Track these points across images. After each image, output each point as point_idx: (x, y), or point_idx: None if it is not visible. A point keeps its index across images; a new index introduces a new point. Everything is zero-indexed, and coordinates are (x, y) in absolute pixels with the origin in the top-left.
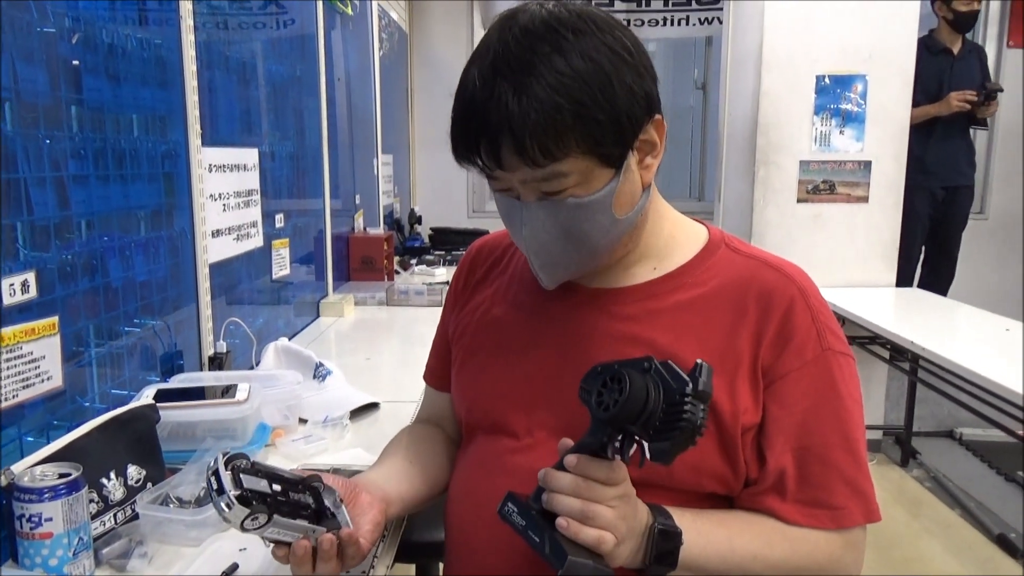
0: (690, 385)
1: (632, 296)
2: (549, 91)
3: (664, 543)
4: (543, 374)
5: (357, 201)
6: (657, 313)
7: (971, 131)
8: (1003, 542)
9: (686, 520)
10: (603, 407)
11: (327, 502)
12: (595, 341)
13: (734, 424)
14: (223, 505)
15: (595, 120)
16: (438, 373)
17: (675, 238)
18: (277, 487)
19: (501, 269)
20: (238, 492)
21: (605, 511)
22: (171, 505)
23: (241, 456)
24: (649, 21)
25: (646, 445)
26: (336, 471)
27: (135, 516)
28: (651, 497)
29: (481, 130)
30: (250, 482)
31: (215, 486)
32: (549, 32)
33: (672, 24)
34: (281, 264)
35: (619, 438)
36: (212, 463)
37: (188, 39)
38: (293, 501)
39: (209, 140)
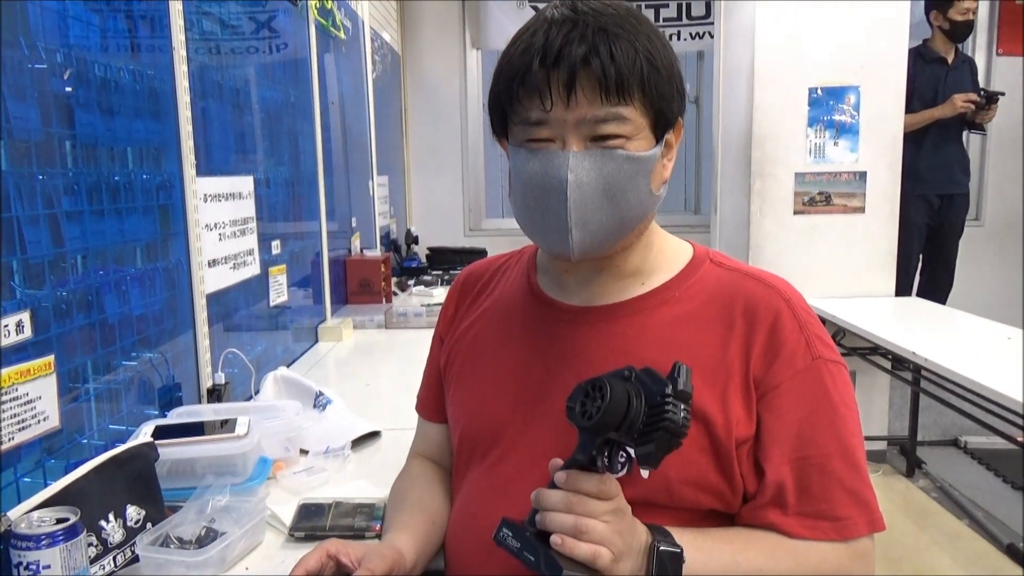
0: (670, 386)
1: (620, 312)
2: (630, 42)
3: (665, 562)
4: (533, 396)
5: (353, 224)
6: (646, 329)
7: (965, 139)
8: (1013, 552)
9: (687, 538)
10: (586, 416)
11: None
12: (585, 359)
13: (728, 438)
14: None
15: (663, 80)
16: (429, 404)
17: (663, 253)
18: None
19: (488, 293)
20: None
21: (598, 525)
22: (171, 546)
23: None
24: None
25: (633, 452)
26: (339, 504)
27: (135, 558)
28: (651, 517)
29: (559, 61)
30: None
31: None
32: (621, 7)
33: None
34: (279, 291)
35: (606, 449)
36: None
37: (181, 69)
38: None
39: (204, 170)
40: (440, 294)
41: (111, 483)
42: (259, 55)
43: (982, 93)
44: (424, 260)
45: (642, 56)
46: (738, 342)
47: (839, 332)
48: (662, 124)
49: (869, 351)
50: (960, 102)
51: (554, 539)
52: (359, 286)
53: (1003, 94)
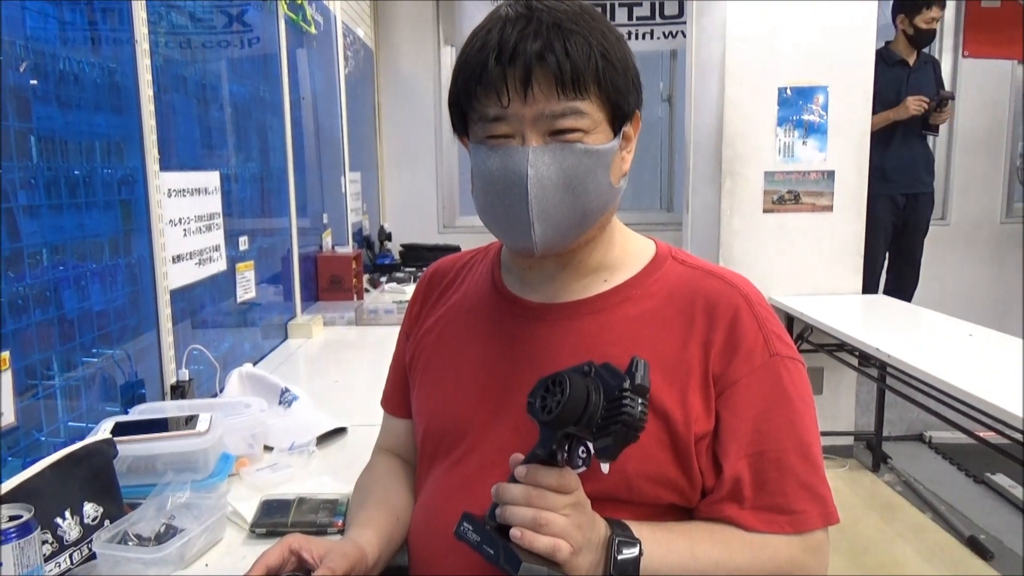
0: (628, 381)
1: (583, 309)
2: (585, 38)
3: (624, 554)
4: (496, 392)
5: (325, 220)
6: (608, 326)
7: (931, 140)
8: (974, 544)
9: (645, 531)
10: (546, 410)
11: None
12: (547, 356)
13: (687, 433)
14: None
15: (619, 74)
16: (395, 400)
17: (625, 250)
18: None
19: (454, 289)
20: None
21: (558, 519)
22: (130, 543)
23: None
24: None
25: (592, 446)
26: (302, 500)
27: (92, 556)
28: (611, 512)
29: (515, 58)
30: None
31: None
32: (574, 5)
33: (637, 38)
34: (246, 287)
35: (566, 443)
36: None
37: (144, 63)
38: None
39: (168, 165)
40: (412, 291)
41: (67, 480)
42: (228, 49)
43: (935, 96)
44: (397, 257)
45: (596, 51)
46: (698, 339)
47: (807, 329)
48: (619, 117)
49: (836, 348)
50: (912, 105)
51: (513, 532)
52: (330, 283)
53: (953, 97)
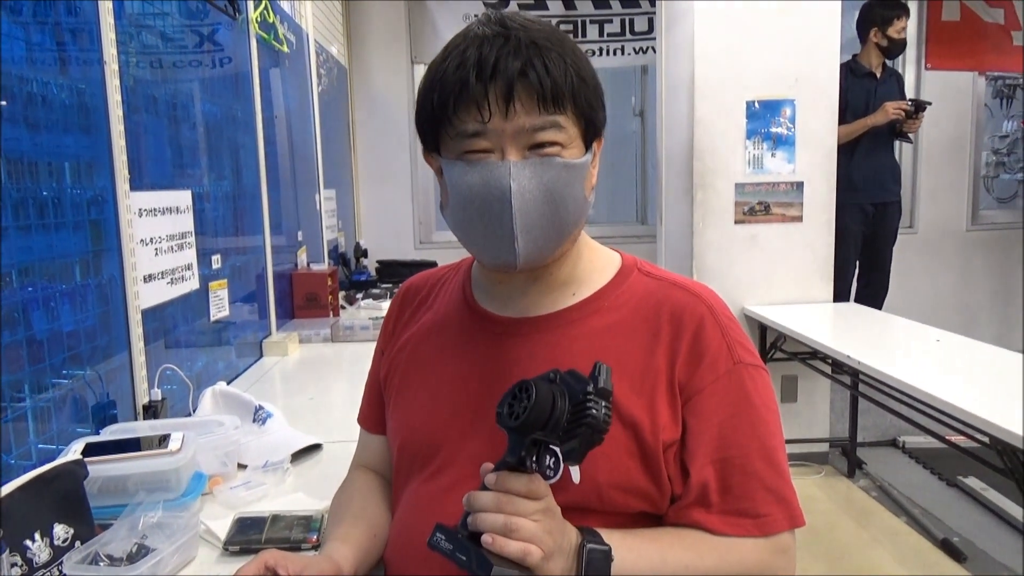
0: (591, 385)
1: (552, 323)
2: (561, 56)
3: (594, 560)
4: (470, 407)
5: (300, 237)
6: (577, 339)
7: (895, 147)
8: (947, 547)
9: (615, 538)
10: (514, 416)
11: None
12: (519, 370)
13: (655, 441)
14: None
15: (591, 91)
16: (371, 416)
17: (592, 263)
18: None
19: (428, 306)
20: None
21: (528, 524)
22: (101, 563)
23: None
24: (585, 52)
25: (559, 452)
26: (277, 517)
27: None
28: (583, 521)
29: (496, 75)
30: None
31: None
32: (545, 24)
33: (608, 54)
34: (219, 306)
35: (535, 450)
36: None
37: (113, 83)
38: None
39: (139, 184)
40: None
41: (37, 502)
42: (200, 69)
43: (911, 102)
44: (373, 273)
45: (571, 69)
46: (664, 349)
47: (780, 338)
48: (591, 133)
49: (809, 356)
50: (891, 109)
51: (485, 538)
52: (305, 300)
53: (930, 103)
